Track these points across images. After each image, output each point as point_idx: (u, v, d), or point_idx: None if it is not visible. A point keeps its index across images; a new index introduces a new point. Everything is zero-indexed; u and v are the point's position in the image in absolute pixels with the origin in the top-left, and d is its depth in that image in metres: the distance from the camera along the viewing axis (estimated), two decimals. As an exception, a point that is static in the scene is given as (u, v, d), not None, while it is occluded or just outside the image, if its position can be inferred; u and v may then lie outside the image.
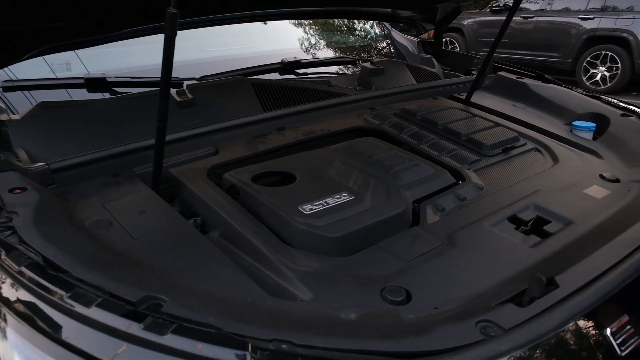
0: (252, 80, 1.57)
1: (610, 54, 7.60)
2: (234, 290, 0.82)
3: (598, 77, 7.69)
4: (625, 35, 7.42)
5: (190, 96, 1.42)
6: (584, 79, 7.79)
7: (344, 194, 1.08)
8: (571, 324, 0.72)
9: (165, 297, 0.71)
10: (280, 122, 1.49)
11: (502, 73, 2.05)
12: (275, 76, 1.76)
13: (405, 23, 2.26)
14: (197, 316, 0.67)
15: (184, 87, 1.45)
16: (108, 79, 1.48)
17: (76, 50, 1.48)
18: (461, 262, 0.95)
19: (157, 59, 0.93)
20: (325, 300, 0.83)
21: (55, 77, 1.51)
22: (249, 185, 1.11)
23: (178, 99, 1.39)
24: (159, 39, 0.94)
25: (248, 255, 0.96)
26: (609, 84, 7.51)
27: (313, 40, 2.20)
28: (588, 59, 7.80)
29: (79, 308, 0.67)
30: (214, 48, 1.81)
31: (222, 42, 1.85)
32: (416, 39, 2.30)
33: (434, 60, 2.19)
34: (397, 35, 2.36)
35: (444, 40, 2.36)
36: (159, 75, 0.94)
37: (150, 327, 0.64)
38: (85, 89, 1.51)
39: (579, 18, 7.89)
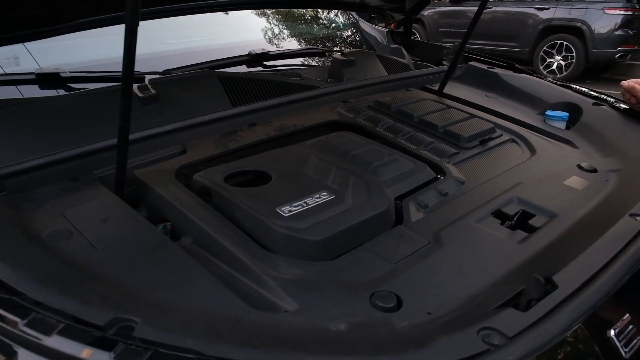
0: (219, 73, 1.49)
1: (565, 43, 7.80)
2: (212, 304, 0.74)
3: (554, 66, 7.88)
4: (579, 25, 7.63)
5: (153, 91, 1.32)
6: (541, 67, 7.97)
7: (323, 193, 1.02)
8: (575, 328, 0.68)
9: (137, 317, 0.64)
10: (251, 118, 1.41)
11: (472, 63, 2.03)
12: (242, 69, 1.68)
13: (374, 12, 2.20)
14: (174, 340, 0.60)
15: (146, 82, 1.36)
16: (62, 75, 1.37)
17: (25, 43, 1.36)
18: (450, 262, 0.91)
19: (116, 52, 0.85)
20: (312, 310, 0.76)
21: (2, 72, 1.38)
22: (222, 186, 1.03)
23: (140, 95, 1.29)
24: (118, 30, 0.85)
25: (224, 263, 0.88)
26: (564, 73, 7.72)
27: (280, 32, 2.12)
28: (545, 48, 7.99)
29: (37, 337, 0.59)
30: (176, 40, 1.71)
31: (185, 34, 1.75)
32: (385, 29, 2.26)
33: (403, 50, 2.15)
34: (365, 25, 2.31)
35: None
36: (119, 70, 0.86)
37: (122, 356, 0.56)
38: (36, 86, 1.39)
39: (535, 8, 8.06)
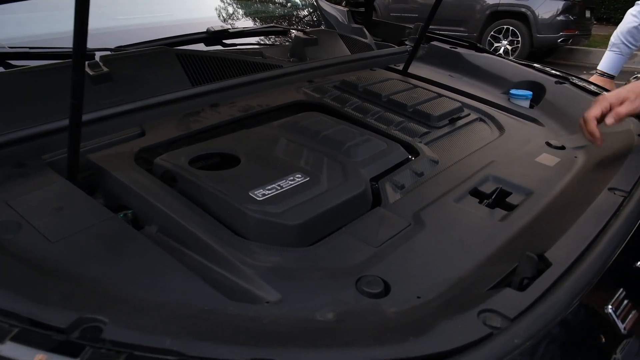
0: (176, 51, 1.39)
1: (511, 28, 7.99)
2: (186, 298, 0.68)
3: (501, 51, 8.06)
4: (524, 10, 7.83)
5: (105, 69, 1.21)
6: (489, 52, 8.12)
7: (297, 176, 0.96)
8: (575, 305, 0.65)
9: (105, 317, 0.56)
10: (213, 98, 1.32)
11: (435, 43, 2.00)
12: (200, 47, 1.58)
13: (334, -9, 2.14)
14: (150, 340, 0.53)
15: (97, 59, 1.24)
16: (1, 50, 1.23)
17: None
18: (434, 243, 0.87)
19: (63, 26, 0.76)
20: (296, 300, 0.71)
21: None
22: (188, 170, 0.95)
23: (91, 73, 1.18)
24: (63, 2, 0.75)
25: (195, 252, 0.81)
26: (511, 57, 7.91)
27: (239, 9, 2.02)
28: (492, 33, 8.15)
29: (-13, 345, 0.50)
30: (127, 15, 1.58)
31: (138, 9, 1.63)
32: (345, 9, 2.20)
33: (365, 30, 2.10)
34: (325, 4, 2.24)
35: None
36: (65, 45, 0.76)
37: (92, 363, 0.49)
38: (-30, 63, 1.25)
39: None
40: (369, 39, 2.05)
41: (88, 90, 1.09)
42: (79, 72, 0.79)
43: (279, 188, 0.91)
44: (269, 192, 0.90)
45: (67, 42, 1.25)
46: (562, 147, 1.32)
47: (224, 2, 1.95)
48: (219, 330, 0.60)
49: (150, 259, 0.75)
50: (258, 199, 0.87)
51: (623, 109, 1.21)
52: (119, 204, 0.94)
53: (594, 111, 1.23)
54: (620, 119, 1.21)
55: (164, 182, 0.95)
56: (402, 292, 0.74)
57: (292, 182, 0.94)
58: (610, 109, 1.22)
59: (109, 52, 1.32)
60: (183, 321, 0.61)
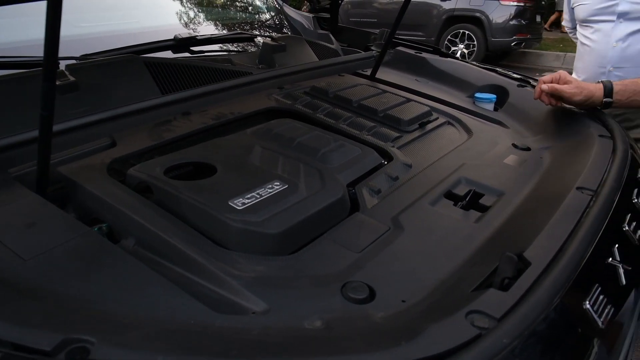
0: (144, 59, 1.36)
1: (467, 32, 8.20)
2: (172, 313, 0.66)
3: (458, 54, 8.26)
4: (478, 15, 8.05)
5: (71, 78, 1.17)
6: (447, 56, 8.31)
7: (276, 183, 0.96)
8: (556, 303, 0.67)
9: (91, 337, 0.54)
10: (184, 106, 1.30)
11: (400, 48, 2.03)
12: (168, 54, 1.55)
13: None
14: (141, 358, 0.52)
15: (63, 68, 1.20)
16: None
17: None
18: (414, 246, 0.88)
19: (27, 33, 0.73)
20: (283, 309, 0.70)
21: None
22: (163, 180, 0.93)
23: (57, 82, 1.14)
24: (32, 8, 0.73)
25: (176, 265, 0.80)
26: (471, 61, 8.11)
27: (206, 16, 1.99)
28: (449, 37, 8.34)
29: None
30: (92, 23, 1.54)
31: (103, 16, 1.58)
32: (311, 15, 2.20)
33: (331, 36, 2.11)
34: (290, 10, 2.24)
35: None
36: (29, 54, 0.74)
37: (83, 385, 0.47)
38: None
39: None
40: (335, 45, 2.06)
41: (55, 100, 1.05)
42: (50, 82, 0.77)
43: (258, 196, 0.90)
44: (249, 200, 0.89)
45: (32, 51, 1.23)
46: (528, 149, 1.36)
47: (190, 9, 1.92)
48: (209, 344, 0.59)
49: (130, 273, 0.73)
50: (238, 208, 0.86)
51: (559, 87, 1.47)
52: (92, 218, 0.91)
53: (546, 78, 1.53)
54: (550, 90, 1.49)
55: (138, 193, 0.92)
56: (388, 297, 0.75)
57: (271, 190, 0.93)
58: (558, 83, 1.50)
59: (74, 61, 1.28)
60: (172, 336, 0.59)
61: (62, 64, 1.23)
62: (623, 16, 1.84)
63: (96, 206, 0.91)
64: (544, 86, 1.51)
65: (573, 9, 2.10)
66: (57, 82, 1.15)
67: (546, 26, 11.00)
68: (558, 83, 1.50)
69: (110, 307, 0.65)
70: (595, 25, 1.96)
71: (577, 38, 2.23)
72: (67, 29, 1.43)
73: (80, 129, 1.10)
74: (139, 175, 0.95)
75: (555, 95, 1.51)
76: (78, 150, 1.05)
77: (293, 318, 0.68)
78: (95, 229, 0.86)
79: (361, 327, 0.67)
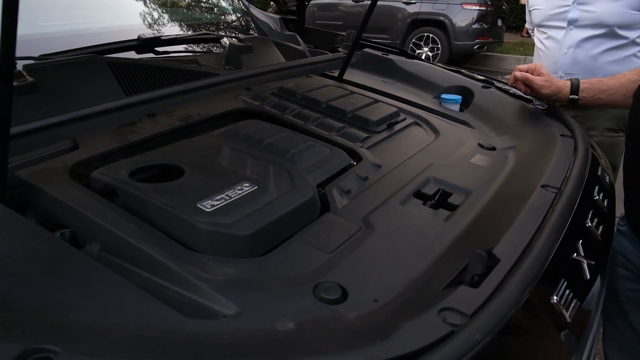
0: (107, 59, 1.32)
1: (431, 35, 8.33)
2: (140, 319, 0.64)
3: (423, 57, 8.37)
4: (442, 18, 8.20)
5: (30, 79, 1.13)
6: (412, 59, 8.42)
7: (245, 185, 0.94)
8: (526, 298, 0.68)
9: (55, 346, 0.52)
10: (150, 107, 1.27)
11: (367, 50, 2.04)
12: (132, 55, 1.52)
13: (265, -2, 2.13)
14: (109, 366, 0.50)
15: (20, 69, 1.16)
16: None
17: None
18: (385, 246, 0.89)
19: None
20: (255, 312, 0.69)
21: None
22: (129, 183, 0.91)
23: (15, 83, 1.10)
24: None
25: (144, 269, 0.77)
26: (437, 63, 8.24)
27: (170, 16, 1.96)
28: (414, 40, 8.46)
29: None
30: (51, 21, 1.49)
31: (62, 15, 1.53)
32: (277, 16, 2.19)
33: (298, 37, 2.10)
34: (256, 11, 2.22)
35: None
36: None
37: (47, 397, 0.45)
38: None
39: (403, 2, 8.50)
40: (302, 46, 2.06)
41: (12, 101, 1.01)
42: (7, 83, 0.74)
43: (227, 198, 0.89)
44: (218, 202, 0.87)
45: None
46: (494, 148, 1.39)
47: (154, 9, 1.88)
48: (180, 349, 0.57)
49: (95, 279, 0.70)
50: (207, 210, 0.85)
51: (531, 77, 1.55)
52: (54, 223, 0.88)
53: (523, 67, 1.60)
54: (522, 78, 1.57)
55: (103, 197, 0.90)
56: (360, 297, 0.75)
57: (240, 192, 0.92)
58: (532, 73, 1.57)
59: (32, 61, 1.24)
60: (141, 343, 0.58)
61: (20, 64, 1.18)
62: (573, 23, 1.90)
63: (58, 211, 0.87)
64: (518, 74, 1.59)
65: (530, 12, 2.16)
66: (15, 83, 1.10)
67: (523, 33, 11.25)
68: (532, 74, 1.57)
69: (75, 315, 0.63)
70: (548, 32, 2.02)
71: None
72: (25, 28, 1.38)
73: (40, 132, 1.06)
74: (104, 178, 0.92)
75: (527, 85, 1.59)
76: (38, 154, 1.01)
77: (265, 320, 0.67)
78: (58, 234, 0.83)
79: (334, 328, 0.67)
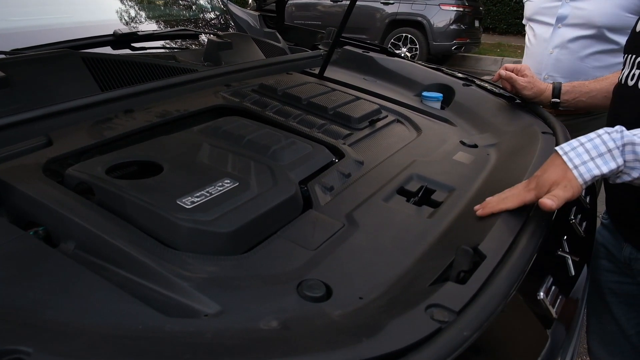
0: (82, 54, 1.29)
1: (410, 36, 8.39)
2: (117, 318, 0.62)
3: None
4: (420, 19, 8.27)
5: (1, 74, 1.09)
6: (391, 59, 8.48)
7: (226, 181, 0.92)
8: (512, 294, 0.68)
9: (27, 347, 0.50)
10: (127, 104, 1.24)
11: (348, 47, 2.04)
12: (107, 50, 1.48)
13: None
14: (84, 368, 0.48)
15: (-9, 63, 1.12)
16: None
17: None
18: (369, 243, 0.88)
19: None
20: (237, 310, 0.67)
21: None
22: (106, 180, 0.88)
23: (-15, 78, 1.06)
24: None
25: (122, 268, 0.75)
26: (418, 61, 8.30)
27: (147, 12, 1.92)
28: (392, 40, 8.51)
29: None
30: (23, 16, 1.44)
31: (35, 10, 1.49)
32: (257, 13, 2.17)
33: (278, 34, 2.09)
34: (235, 8, 2.20)
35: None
36: None
37: (19, 400, 0.43)
38: None
39: (381, 3, 8.54)
40: (282, 44, 2.04)
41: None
42: None
43: (208, 195, 0.87)
44: (198, 199, 0.85)
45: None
46: (475, 146, 1.39)
47: (131, 6, 1.85)
48: (160, 349, 0.55)
49: (69, 278, 0.68)
50: (187, 207, 0.82)
51: (514, 76, 1.60)
52: (27, 221, 0.85)
53: (509, 66, 1.65)
54: (506, 77, 1.61)
55: (78, 194, 0.87)
56: (344, 294, 0.73)
57: (221, 188, 0.90)
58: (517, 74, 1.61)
59: (4, 56, 1.20)
60: (119, 343, 0.55)
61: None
62: (562, 20, 1.86)
63: (31, 209, 0.84)
64: (503, 72, 1.63)
65: (525, 4, 2.11)
66: (-15, 78, 1.07)
67: None
68: (517, 74, 1.61)
69: (50, 315, 0.60)
70: (536, 28, 1.97)
71: None
72: (-3, 22, 1.34)
73: (12, 127, 1.02)
74: (79, 175, 0.89)
75: (511, 84, 1.62)
76: (10, 150, 0.98)
77: (248, 319, 0.65)
78: (31, 232, 0.80)
79: (319, 326, 0.65)
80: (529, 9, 2.03)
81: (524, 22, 2.16)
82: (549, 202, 0.82)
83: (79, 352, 0.51)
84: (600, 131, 0.87)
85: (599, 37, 1.80)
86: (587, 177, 0.84)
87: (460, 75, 1.85)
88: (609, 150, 0.84)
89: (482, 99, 1.68)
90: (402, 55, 8.20)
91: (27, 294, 0.63)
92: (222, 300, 0.68)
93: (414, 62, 1.96)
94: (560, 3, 1.86)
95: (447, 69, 1.92)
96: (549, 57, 1.91)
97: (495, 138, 1.46)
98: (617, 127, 0.86)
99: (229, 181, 0.92)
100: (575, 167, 0.85)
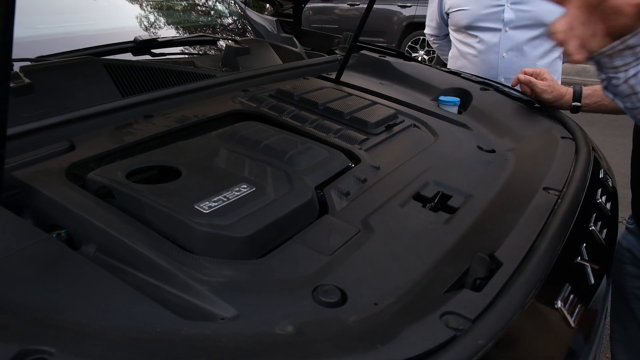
0: (104, 60, 1.31)
1: (427, 39, 8.34)
2: (136, 320, 0.63)
3: (419, 60, 8.40)
4: (437, 22, 8.19)
5: (26, 80, 1.12)
6: (408, 62, 8.47)
7: (243, 186, 0.94)
8: (529, 302, 0.68)
9: (50, 347, 0.51)
10: (146, 109, 1.26)
11: (364, 52, 2.04)
12: (128, 57, 1.51)
13: (264, 0, 2.12)
14: (105, 369, 0.49)
15: (17, 70, 1.15)
16: None
17: None
18: (384, 248, 0.88)
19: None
20: (253, 315, 0.68)
21: None
22: (126, 184, 0.90)
23: (11, 85, 1.09)
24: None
25: (140, 271, 0.76)
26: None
27: (167, 18, 1.95)
28: (410, 43, 8.48)
29: None
30: (47, 24, 1.48)
31: (59, 18, 1.53)
32: (274, 19, 2.19)
33: (295, 39, 2.10)
34: (252, 14, 2.22)
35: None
36: None
37: (42, 399, 0.44)
38: None
39: (398, 6, 8.52)
40: (299, 48, 2.06)
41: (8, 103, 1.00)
42: (3, 84, 0.73)
43: (225, 200, 0.88)
44: (216, 204, 0.86)
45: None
46: (493, 151, 1.38)
47: (151, 12, 1.88)
48: (175, 351, 0.57)
49: (90, 280, 0.70)
50: (205, 211, 0.84)
51: (534, 80, 1.59)
52: (50, 224, 0.87)
53: (528, 70, 1.63)
54: (525, 81, 1.61)
55: (99, 198, 0.89)
56: (359, 300, 0.74)
57: (238, 193, 0.91)
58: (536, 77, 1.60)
59: (29, 63, 1.23)
60: (136, 345, 0.57)
61: (16, 66, 1.18)
62: (509, 24, 1.86)
63: (54, 212, 0.86)
64: (522, 76, 1.62)
65: (448, 14, 2.09)
66: (11, 84, 1.10)
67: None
68: (536, 78, 1.60)
69: (71, 316, 0.62)
70: (481, 34, 1.95)
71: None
72: (22, 30, 1.38)
73: (36, 133, 1.05)
74: (100, 180, 0.92)
75: (530, 88, 1.61)
76: (34, 155, 1.00)
77: (263, 323, 0.66)
78: (54, 235, 0.82)
79: (334, 331, 0.66)
80: (464, 17, 2.00)
81: (427, 31, 2.16)
82: None
83: (98, 353, 0.52)
84: None
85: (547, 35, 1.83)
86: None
87: (478, 79, 1.84)
88: None
89: (500, 103, 1.67)
90: (420, 58, 8.22)
91: (49, 295, 0.65)
92: (238, 304, 0.69)
93: (431, 66, 1.96)
94: (502, 8, 1.87)
95: (465, 73, 1.91)
96: (503, 60, 1.92)
97: (513, 143, 1.45)
98: None
99: (245, 186, 0.94)
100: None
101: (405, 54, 1.93)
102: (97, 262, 0.75)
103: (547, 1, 0.87)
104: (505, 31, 1.87)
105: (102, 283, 0.69)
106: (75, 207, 0.84)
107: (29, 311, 0.61)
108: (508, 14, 1.86)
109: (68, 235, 0.84)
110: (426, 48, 8.39)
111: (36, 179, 0.91)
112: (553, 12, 1.74)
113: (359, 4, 8.75)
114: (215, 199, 0.88)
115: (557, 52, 1.91)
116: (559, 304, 0.75)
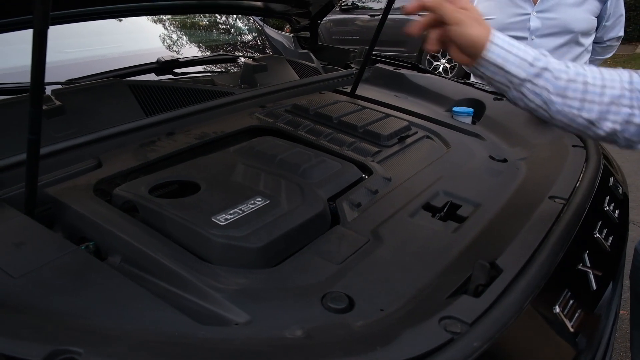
0: (128, 82, 1.39)
1: (449, 47, 8.32)
2: (155, 325, 0.69)
3: (440, 69, 8.39)
4: (459, 30, 8.16)
5: (57, 103, 1.21)
6: (429, 71, 8.46)
7: (257, 199, 0.99)
8: (526, 307, 0.71)
9: (78, 348, 0.57)
10: (168, 127, 1.34)
11: (379, 65, 2.09)
12: (152, 77, 1.59)
13: (279, 17, 2.20)
14: (128, 368, 0.55)
15: (49, 93, 1.24)
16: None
17: None
18: (393, 257, 0.92)
19: (16, 60, 0.76)
20: (265, 320, 0.73)
21: None
22: (148, 199, 0.96)
23: (44, 107, 1.17)
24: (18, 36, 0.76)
25: (161, 280, 0.82)
26: (450, 75, 8.24)
27: (187, 38, 2.04)
28: (430, 52, 8.47)
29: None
30: (76, 48, 1.58)
31: (86, 42, 1.62)
32: (291, 35, 2.26)
33: (311, 55, 2.16)
34: (270, 31, 2.29)
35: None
36: (19, 81, 0.77)
37: (72, 393, 0.50)
38: None
39: (418, 15, 8.50)
40: (315, 63, 2.11)
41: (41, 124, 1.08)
42: (37, 107, 0.80)
43: (240, 212, 0.94)
44: (231, 216, 0.92)
45: (19, 77, 1.26)
46: (505, 160, 1.41)
47: (173, 32, 1.97)
48: (192, 353, 0.62)
49: (115, 288, 0.75)
50: (221, 223, 0.89)
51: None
52: (79, 237, 0.94)
53: None
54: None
55: (124, 212, 0.95)
56: (366, 306, 0.78)
57: (253, 206, 0.96)
58: None
59: (60, 86, 1.32)
60: (156, 347, 0.62)
61: (48, 89, 1.26)
62: (535, 33, 1.85)
63: (83, 225, 0.93)
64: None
65: None
66: (44, 107, 1.18)
67: None
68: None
69: (97, 320, 0.68)
70: None
71: None
72: (53, 55, 1.47)
73: (67, 151, 1.13)
74: (125, 195, 0.98)
75: None
76: (65, 172, 1.08)
77: (274, 328, 0.71)
78: (83, 247, 0.89)
79: (340, 335, 0.70)
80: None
81: None
82: None
83: (122, 354, 0.58)
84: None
85: (573, 42, 1.84)
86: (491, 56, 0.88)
87: (491, 89, 1.87)
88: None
89: (513, 112, 1.68)
90: (442, 67, 8.20)
91: (78, 302, 0.71)
92: (251, 310, 0.74)
93: (445, 77, 1.99)
94: (527, 16, 1.86)
95: (478, 83, 1.94)
96: None
97: (525, 152, 1.47)
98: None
99: (260, 199, 0.99)
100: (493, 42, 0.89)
101: (426, 64, 1.97)
102: (122, 271, 0.81)
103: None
104: (532, 40, 1.87)
105: (126, 291, 0.75)
106: (102, 221, 0.91)
107: (60, 315, 0.67)
108: (534, 22, 1.86)
109: (96, 247, 0.91)
110: (447, 57, 8.37)
111: (66, 195, 0.98)
112: (580, 19, 1.76)
113: (379, 15, 8.79)
114: (231, 212, 0.93)
115: (585, 59, 1.90)
116: (557, 309, 0.77)
